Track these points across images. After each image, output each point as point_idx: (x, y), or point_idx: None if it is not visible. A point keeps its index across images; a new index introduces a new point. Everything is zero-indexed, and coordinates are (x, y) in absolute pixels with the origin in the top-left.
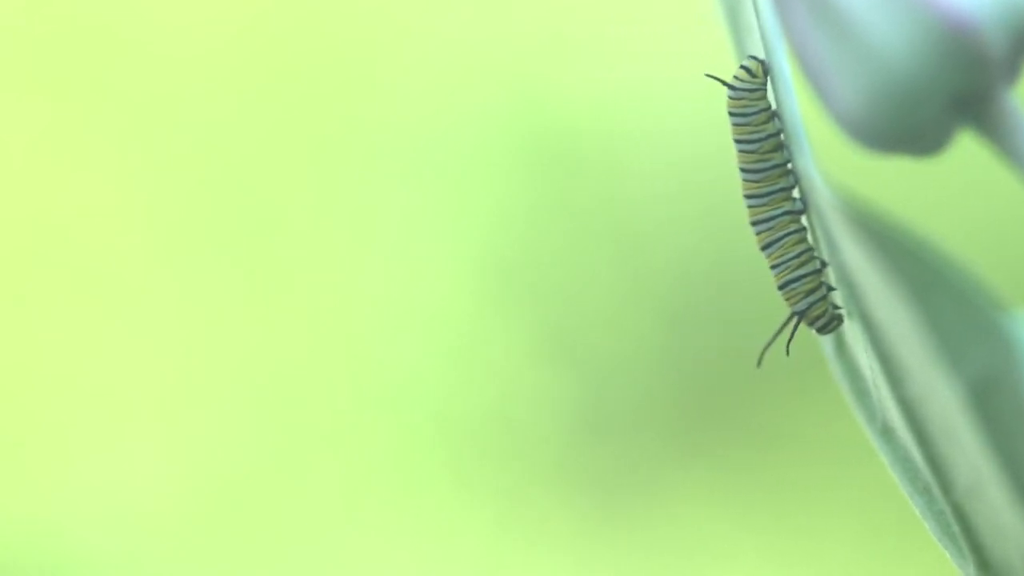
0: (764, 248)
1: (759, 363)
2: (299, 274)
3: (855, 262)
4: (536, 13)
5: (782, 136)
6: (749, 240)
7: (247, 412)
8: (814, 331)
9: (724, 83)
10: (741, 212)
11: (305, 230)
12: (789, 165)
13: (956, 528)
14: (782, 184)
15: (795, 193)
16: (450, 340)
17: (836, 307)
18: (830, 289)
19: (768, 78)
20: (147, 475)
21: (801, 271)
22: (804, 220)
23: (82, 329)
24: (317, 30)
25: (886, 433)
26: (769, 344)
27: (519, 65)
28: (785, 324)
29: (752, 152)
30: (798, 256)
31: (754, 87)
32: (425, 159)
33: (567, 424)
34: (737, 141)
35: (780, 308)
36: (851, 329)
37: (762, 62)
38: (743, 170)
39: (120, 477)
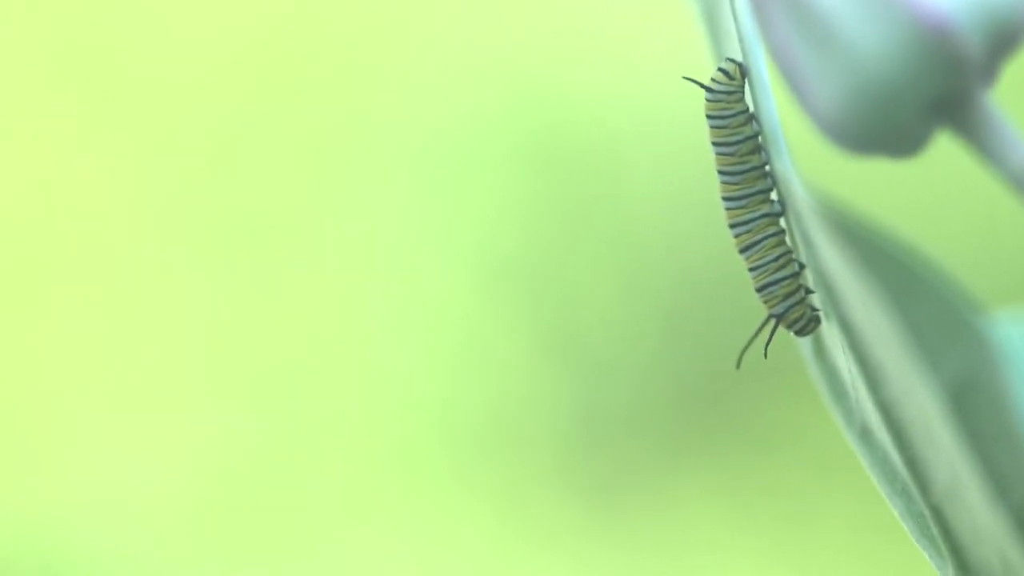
0: (743, 251)
1: (738, 365)
2: (298, 274)
3: (833, 265)
4: (534, 12)
5: (760, 138)
6: None
7: (247, 412)
8: (792, 334)
9: (702, 85)
10: None
11: (305, 231)
12: (767, 167)
13: (935, 530)
14: (760, 186)
15: (773, 195)
16: (449, 341)
17: (814, 309)
18: (808, 292)
19: (746, 80)
20: (147, 474)
21: (779, 274)
22: (783, 222)
23: (83, 329)
24: (316, 30)
25: (864, 435)
26: (747, 346)
27: (516, 64)
28: (763, 326)
29: (730, 155)
30: (776, 259)
31: (731, 89)
32: (423, 159)
33: (565, 424)
34: (715, 144)
35: None
36: (829, 331)
37: (739, 64)
38: (721, 172)
39: (120, 476)
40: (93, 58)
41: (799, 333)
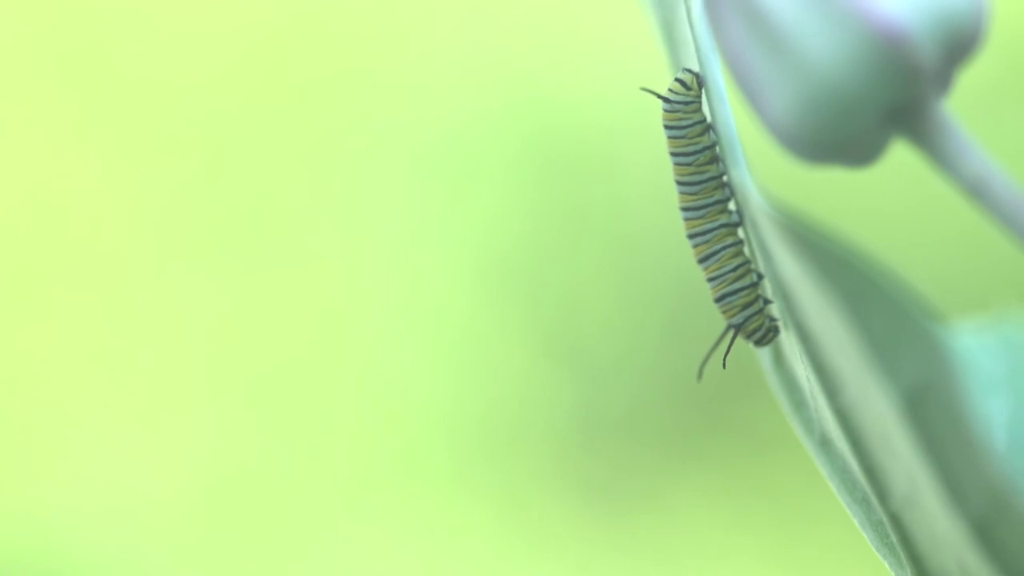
0: (701, 261)
1: (699, 377)
2: (299, 275)
3: (790, 273)
4: (534, 14)
5: (717, 148)
6: None
7: (247, 413)
8: (751, 344)
9: (659, 96)
10: None
11: (305, 232)
12: (725, 177)
13: (894, 538)
14: (718, 196)
15: (731, 205)
16: (449, 341)
17: (773, 319)
18: (767, 302)
19: (703, 90)
20: (148, 476)
21: (737, 284)
22: (741, 232)
23: (82, 329)
24: (317, 31)
25: (824, 444)
26: (707, 358)
27: (517, 65)
28: (722, 337)
29: (688, 165)
30: (735, 269)
31: (689, 100)
32: (424, 160)
33: (566, 425)
34: (673, 154)
35: None
36: (788, 340)
37: (696, 74)
38: (679, 183)
39: (121, 477)
40: (93, 58)
41: (757, 343)
